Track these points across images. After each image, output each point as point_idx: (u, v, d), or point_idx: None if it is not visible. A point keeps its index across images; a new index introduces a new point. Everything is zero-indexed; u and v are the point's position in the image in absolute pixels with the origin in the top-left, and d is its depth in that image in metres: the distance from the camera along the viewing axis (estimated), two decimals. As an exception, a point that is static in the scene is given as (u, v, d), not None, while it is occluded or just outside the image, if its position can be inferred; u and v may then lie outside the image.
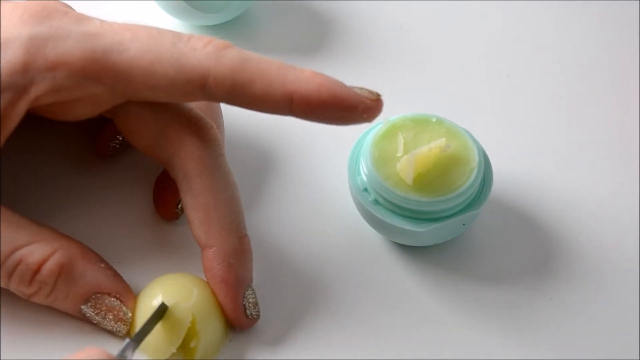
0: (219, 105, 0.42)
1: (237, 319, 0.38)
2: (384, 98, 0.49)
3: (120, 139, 0.42)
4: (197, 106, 0.39)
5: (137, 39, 0.34)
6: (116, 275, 0.38)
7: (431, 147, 0.39)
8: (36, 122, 0.39)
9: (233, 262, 0.37)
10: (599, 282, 0.42)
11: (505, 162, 0.45)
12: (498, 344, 0.40)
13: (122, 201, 0.43)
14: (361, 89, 0.34)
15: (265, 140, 0.47)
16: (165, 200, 0.41)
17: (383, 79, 0.50)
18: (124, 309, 0.37)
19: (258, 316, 0.38)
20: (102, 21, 0.36)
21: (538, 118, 0.49)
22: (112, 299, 0.37)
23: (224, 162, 0.38)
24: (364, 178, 0.40)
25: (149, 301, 0.37)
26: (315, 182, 0.45)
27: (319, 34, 0.52)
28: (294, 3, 0.54)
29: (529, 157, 0.47)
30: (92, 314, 0.37)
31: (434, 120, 0.41)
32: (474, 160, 0.40)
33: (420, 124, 0.41)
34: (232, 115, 0.47)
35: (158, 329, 0.36)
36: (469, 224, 0.41)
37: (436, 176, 0.39)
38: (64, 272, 0.36)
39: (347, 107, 0.34)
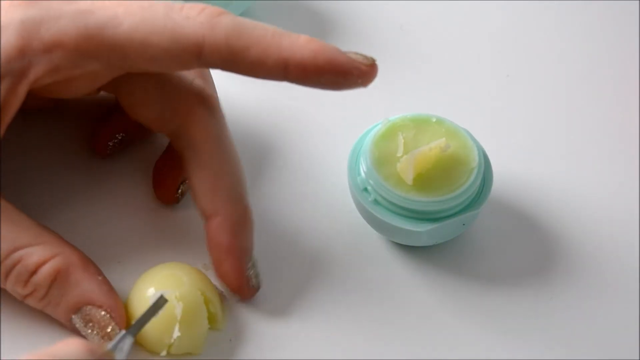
0: (210, 74, 0.42)
1: (241, 288, 0.38)
2: (384, 98, 0.50)
3: (119, 137, 0.42)
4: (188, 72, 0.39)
5: (130, 12, 0.34)
6: (111, 290, 0.37)
7: (431, 147, 0.39)
8: (37, 119, 0.39)
9: (238, 231, 0.38)
10: (599, 282, 0.42)
11: (505, 162, 0.45)
12: (498, 344, 0.40)
13: (121, 199, 0.43)
14: (356, 54, 0.34)
15: (265, 139, 0.47)
16: (165, 184, 0.41)
17: (383, 79, 0.50)
18: (112, 324, 0.36)
19: (259, 286, 0.39)
20: None
21: (538, 118, 0.49)
22: (103, 312, 0.36)
23: (228, 131, 0.39)
24: (364, 178, 0.40)
25: (143, 293, 0.37)
26: (315, 181, 0.45)
27: (319, 34, 0.52)
28: (294, 3, 0.54)
29: (529, 157, 0.47)
30: (81, 325, 0.36)
31: (434, 120, 0.41)
32: (474, 160, 0.40)
33: (420, 124, 0.41)
34: (232, 115, 0.47)
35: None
36: (469, 224, 0.41)
37: (436, 176, 0.39)
38: (59, 278, 0.36)
39: (342, 73, 0.34)
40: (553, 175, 0.46)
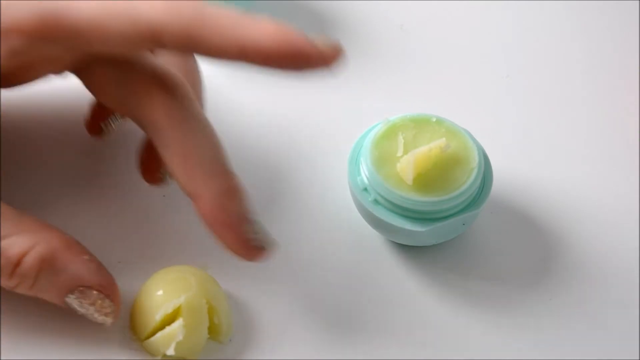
0: (195, 62, 0.41)
1: (248, 254, 0.37)
2: (384, 98, 0.50)
3: (112, 121, 0.42)
4: (172, 63, 0.39)
5: None
6: (100, 268, 0.37)
7: (431, 147, 0.39)
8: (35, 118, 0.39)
9: (225, 206, 0.36)
10: (599, 282, 0.42)
11: (505, 162, 0.45)
12: (498, 344, 0.40)
13: (121, 198, 0.43)
14: (321, 38, 0.34)
15: (265, 139, 0.47)
16: (149, 165, 0.41)
17: (383, 79, 0.50)
18: (107, 302, 0.36)
19: (270, 245, 0.37)
20: None
21: (538, 118, 0.49)
22: (95, 292, 0.36)
23: (196, 113, 0.37)
24: (364, 178, 0.40)
25: (153, 294, 0.37)
26: (315, 182, 0.45)
27: (319, 34, 0.52)
28: (294, 3, 0.54)
29: (529, 157, 0.47)
30: (76, 306, 0.36)
31: (434, 120, 0.41)
32: (474, 160, 0.40)
33: (420, 124, 0.41)
34: (232, 115, 0.47)
35: (185, 329, 0.37)
36: (469, 224, 0.41)
37: (436, 176, 0.39)
38: (45, 266, 0.36)
39: (303, 59, 0.33)
40: (553, 175, 0.46)
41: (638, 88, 0.50)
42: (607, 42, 0.53)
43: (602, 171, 0.47)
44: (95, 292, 0.36)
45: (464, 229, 0.41)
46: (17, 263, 0.35)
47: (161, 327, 0.37)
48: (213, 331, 0.38)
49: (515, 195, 0.45)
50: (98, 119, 0.43)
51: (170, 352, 0.36)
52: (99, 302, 0.36)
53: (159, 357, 0.37)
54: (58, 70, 0.38)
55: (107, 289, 0.37)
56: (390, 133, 0.41)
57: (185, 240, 0.42)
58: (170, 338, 0.36)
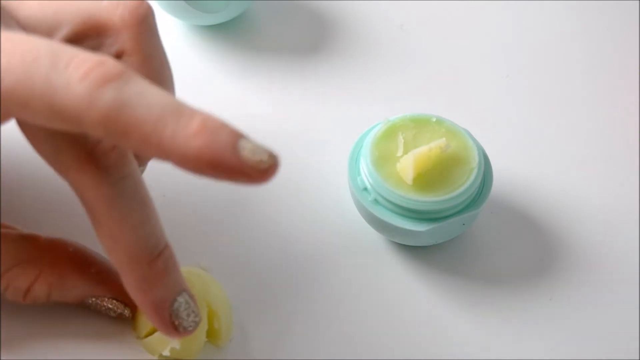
0: (165, 62, 0.39)
1: (170, 334, 0.35)
2: (385, 98, 0.50)
3: None
4: (137, 63, 0.36)
5: (11, 68, 0.30)
6: (108, 276, 0.37)
7: (431, 147, 0.39)
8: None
9: (146, 288, 0.34)
10: (599, 282, 0.42)
11: (505, 162, 0.45)
12: (498, 344, 0.40)
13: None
14: (255, 149, 0.30)
15: (265, 139, 0.47)
16: None
17: (383, 79, 0.50)
18: (121, 306, 0.38)
19: (197, 323, 0.35)
20: None
21: (538, 118, 0.49)
22: (106, 298, 0.37)
23: (127, 186, 0.34)
24: (364, 178, 0.40)
25: None
26: (315, 182, 0.45)
27: (319, 34, 0.52)
28: (294, 3, 0.54)
29: (529, 157, 0.47)
30: (94, 309, 0.38)
31: (434, 120, 0.41)
32: (474, 160, 0.40)
33: (420, 124, 0.41)
34: (232, 115, 0.47)
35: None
36: (469, 224, 0.41)
37: (436, 176, 0.39)
38: (55, 288, 0.36)
39: (231, 175, 0.29)
40: (553, 175, 0.46)
41: (638, 88, 0.50)
42: (607, 42, 0.53)
43: (602, 171, 0.47)
44: (106, 298, 0.37)
45: (464, 229, 0.41)
46: (28, 290, 0.36)
47: None
48: (212, 335, 0.38)
49: (515, 195, 0.45)
50: None
51: (166, 353, 0.37)
52: (113, 305, 0.37)
53: (156, 357, 0.37)
54: None
55: (120, 295, 0.37)
56: (390, 133, 0.41)
57: (185, 241, 0.42)
58: (164, 341, 0.37)
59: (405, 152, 0.40)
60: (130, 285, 0.34)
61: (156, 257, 0.34)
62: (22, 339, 0.38)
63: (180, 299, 0.35)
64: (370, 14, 0.54)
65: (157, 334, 0.37)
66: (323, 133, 0.47)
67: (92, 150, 0.33)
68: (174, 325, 0.35)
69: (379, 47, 0.52)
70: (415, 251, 0.42)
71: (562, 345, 0.40)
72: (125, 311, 0.38)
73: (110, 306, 0.37)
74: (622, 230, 0.44)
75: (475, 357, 0.39)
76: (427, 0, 0.55)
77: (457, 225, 0.40)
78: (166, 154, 0.29)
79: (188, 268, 0.39)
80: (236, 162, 0.29)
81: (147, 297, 0.34)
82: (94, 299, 0.37)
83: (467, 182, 0.39)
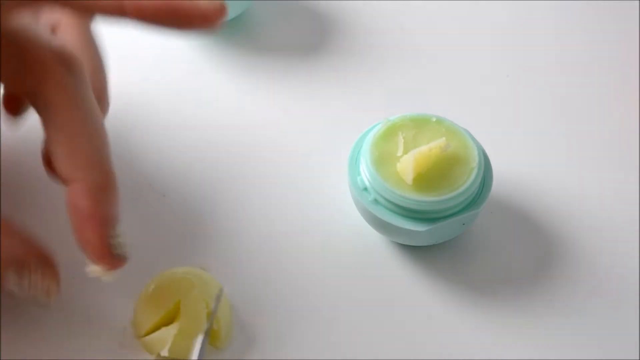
0: (97, 47, 0.40)
1: (104, 256, 0.35)
2: (385, 98, 0.50)
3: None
4: (75, 44, 0.38)
5: None
6: (34, 241, 0.36)
7: (431, 147, 0.39)
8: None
9: (99, 198, 0.35)
10: (599, 282, 0.42)
11: (505, 162, 0.45)
12: (498, 344, 0.40)
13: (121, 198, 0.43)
14: None
15: (265, 139, 0.47)
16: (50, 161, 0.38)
17: (383, 79, 0.50)
18: (46, 279, 0.36)
19: (126, 258, 0.36)
20: None
21: (538, 118, 0.49)
22: (31, 269, 0.35)
23: (89, 95, 0.36)
24: (364, 178, 0.40)
25: (157, 298, 0.37)
26: (315, 182, 0.45)
27: (319, 34, 0.52)
28: (294, 3, 0.54)
29: (529, 157, 0.47)
30: (15, 288, 0.35)
31: (434, 120, 0.41)
32: (474, 160, 0.40)
33: (420, 124, 0.41)
34: (232, 115, 0.47)
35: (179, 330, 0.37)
36: (469, 224, 0.41)
37: (436, 176, 0.39)
38: None
39: (183, 17, 0.33)
40: (553, 175, 0.46)
41: (638, 88, 0.50)
42: (607, 42, 0.53)
43: (602, 171, 0.47)
44: (31, 269, 0.35)
45: (464, 229, 0.41)
46: None
47: (159, 326, 0.37)
48: (211, 337, 0.38)
49: (515, 195, 0.45)
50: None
51: (164, 353, 0.37)
52: (39, 278, 0.35)
53: (154, 357, 0.37)
54: None
55: (43, 261, 0.36)
56: (390, 133, 0.41)
57: (185, 241, 0.42)
58: (163, 340, 0.37)
59: (405, 152, 0.40)
60: (81, 190, 0.34)
61: (110, 170, 0.36)
62: (22, 339, 0.38)
63: (120, 229, 0.36)
64: (370, 14, 0.54)
65: (156, 334, 0.37)
66: (323, 133, 0.47)
67: (59, 53, 0.36)
68: (110, 247, 0.35)
69: (379, 47, 0.52)
70: (415, 251, 0.42)
71: (561, 345, 0.40)
72: (49, 298, 0.36)
73: (34, 280, 0.35)
74: (622, 230, 0.44)
75: (475, 357, 0.39)
76: (427, 0, 0.55)
77: (457, 225, 0.40)
78: (123, 6, 0.32)
79: (188, 268, 0.39)
80: (187, 5, 0.32)
81: (98, 208, 0.35)
82: (16, 270, 0.35)
83: (467, 182, 0.39)
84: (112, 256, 0.35)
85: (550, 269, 0.42)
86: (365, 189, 0.40)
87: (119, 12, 0.32)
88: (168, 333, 0.37)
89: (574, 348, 0.40)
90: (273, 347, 0.39)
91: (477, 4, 0.55)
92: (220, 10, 0.33)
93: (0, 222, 0.35)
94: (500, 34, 0.54)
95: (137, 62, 0.50)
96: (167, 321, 0.37)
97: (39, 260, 0.35)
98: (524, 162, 0.47)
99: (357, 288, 0.41)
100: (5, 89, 0.38)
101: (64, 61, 0.36)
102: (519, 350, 0.40)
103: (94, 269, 0.35)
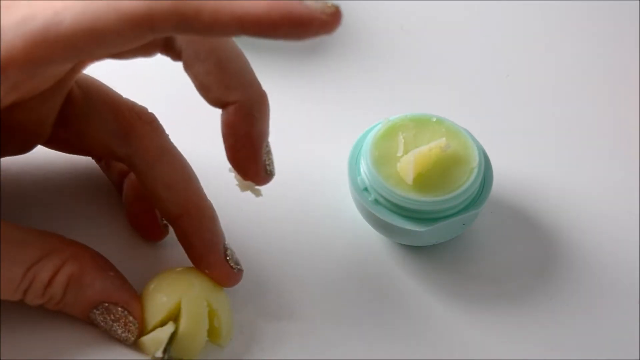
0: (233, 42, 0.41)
1: (258, 174, 0.38)
2: (385, 98, 0.50)
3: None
4: (208, 50, 0.38)
5: (69, 5, 0.33)
6: (124, 284, 0.38)
7: (431, 147, 0.39)
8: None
9: (257, 116, 0.37)
10: (599, 282, 0.42)
11: (505, 162, 0.45)
12: (498, 344, 0.40)
13: (118, 199, 0.43)
14: (316, 1, 0.32)
15: (265, 140, 0.47)
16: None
17: (383, 79, 0.50)
18: (130, 318, 0.37)
19: (273, 174, 0.39)
20: (28, 1, 0.34)
21: (538, 118, 0.49)
22: (120, 308, 0.37)
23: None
24: (364, 178, 0.40)
25: (157, 297, 0.37)
26: (315, 181, 0.45)
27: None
28: (294, 3, 0.54)
29: (529, 157, 0.47)
30: (100, 321, 0.37)
31: (434, 120, 0.41)
32: (474, 160, 0.40)
33: (420, 124, 0.41)
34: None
35: (183, 330, 0.37)
36: (469, 224, 0.41)
37: (436, 176, 0.39)
38: (73, 283, 0.36)
39: (301, 26, 0.32)
40: (553, 175, 0.46)
41: (638, 88, 0.50)
42: (607, 42, 0.53)
43: (602, 171, 0.47)
44: (120, 308, 0.37)
45: (464, 229, 0.41)
46: (48, 284, 0.36)
47: (160, 326, 0.37)
48: (212, 334, 0.38)
49: (515, 195, 0.45)
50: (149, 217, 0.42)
51: (159, 354, 0.37)
52: (123, 318, 0.37)
53: (150, 357, 0.37)
54: (56, 82, 0.37)
55: (130, 305, 0.37)
56: (390, 133, 0.41)
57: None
58: (159, 340, 0.37)
59: (406, 152, 0.40)
60: (242, 111, 0.37)
61: (261, 87, 0.38)
62: (22, 339, 0.38)
63: (269, 145, 0.39)
64: (370, 14, 0.54)
65: (152, 334, 0.37)
66: (323, 133, 0.47)
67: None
68: (265, 165, 0.38)
69: (379, 47, 0.52)
70: (415, 251, 0.42)
71: (562, 345, 0.40)
72: (130, 335, 0.37)
73: (118, 317, 0.37)
74: (622, 230, 0.44)
75: (475, 357, 0.39)
76: (427, 0, 0.55)
77: (457, 225, 0.40)
78: (239, 19, 0.31)
79: (188, 268, 0.39)
80: (304, 11, 0.31)
81: (255, 127, 0.37)
82: (106, 305, 0.37)
83: (467, 182, 0.39)
84: (265, 173, 0.38)
85: (550, 269, 0.42)
86: (366, 189, 0.40)
87: (239, 29, 0.32)
88: (163, 333, 0.37)
89: (574, 348, 0.40)
90: (273, 347, 0.39)
91: (477, 4, 0.55)
92: (337, 14, 0.32)
93: (88, 260, 0.37)
94: (500, 34, 0.54)
95: (137, 62, 0.50)
96: (168, 321, 0.37)
97: (128, 305, 0.37)
98: (524, 162, 0.47)
99: (357, 288, 0.41)
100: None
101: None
102: (519, 350, 0.40)
103: (247, 184, 0.38)
